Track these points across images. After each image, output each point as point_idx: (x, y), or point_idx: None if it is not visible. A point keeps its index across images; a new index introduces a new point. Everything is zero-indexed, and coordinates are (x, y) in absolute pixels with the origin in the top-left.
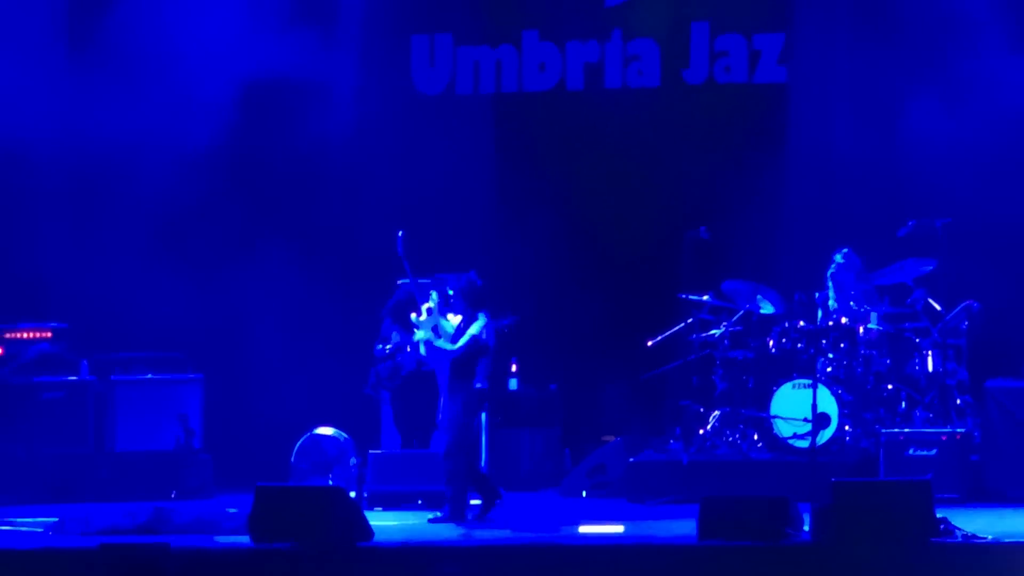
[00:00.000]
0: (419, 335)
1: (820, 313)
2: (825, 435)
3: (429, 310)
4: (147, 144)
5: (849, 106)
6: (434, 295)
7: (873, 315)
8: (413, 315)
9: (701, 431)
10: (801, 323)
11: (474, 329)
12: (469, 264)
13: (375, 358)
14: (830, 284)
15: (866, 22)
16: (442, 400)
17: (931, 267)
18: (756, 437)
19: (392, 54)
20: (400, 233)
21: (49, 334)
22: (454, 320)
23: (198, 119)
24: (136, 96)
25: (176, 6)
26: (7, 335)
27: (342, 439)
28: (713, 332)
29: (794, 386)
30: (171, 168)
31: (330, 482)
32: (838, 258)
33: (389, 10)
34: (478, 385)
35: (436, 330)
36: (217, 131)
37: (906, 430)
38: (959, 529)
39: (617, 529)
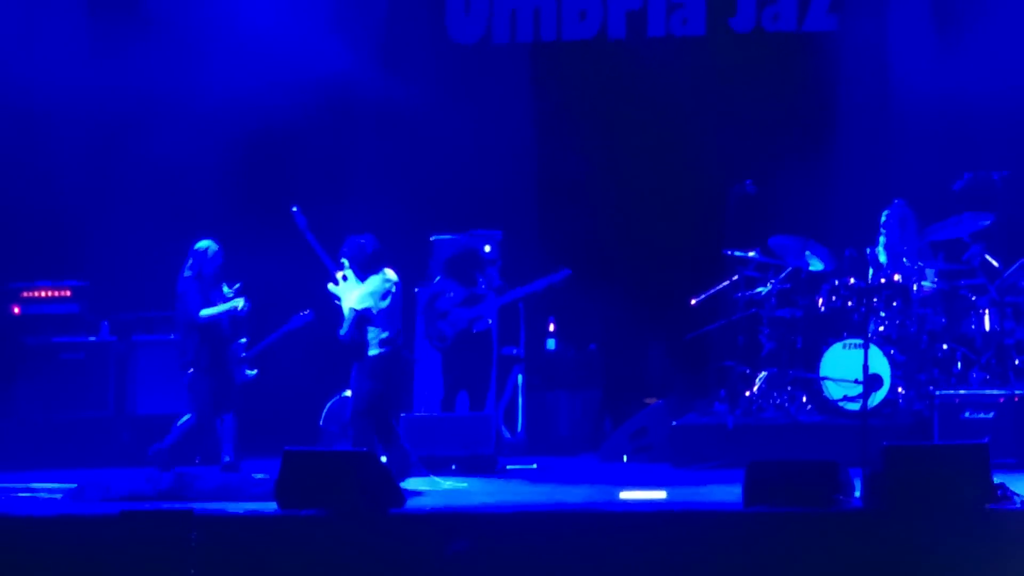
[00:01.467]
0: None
1: (872, 270)
2: (877, 397)
3: (344, 277)
4: (170, 99)
5: (903, 55)
6: (346, 263)
7: (928, 272)
8: (330, 284)
9: (747, 393)
10: (852, 280)
11: (369, 287)
12: (502, 222)
13: (432, 311)
14: (882, 240)
15: None
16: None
17: (988, 221)
18: (804, 399)
19: (425, 1)
20: (294, 209)
21: (68, 292)
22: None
23: (221, 74)
24: (159, 51)
25: None
26: (24, 293)
27: None
28: (759, 290)
29: (844, 346)
30: (196, 123)
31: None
32: (889, 211)
33: None
34: (379, 350)
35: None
36: (241, 86)
37: (962, 392)
38: (1017, 495)
39: (659, 495)
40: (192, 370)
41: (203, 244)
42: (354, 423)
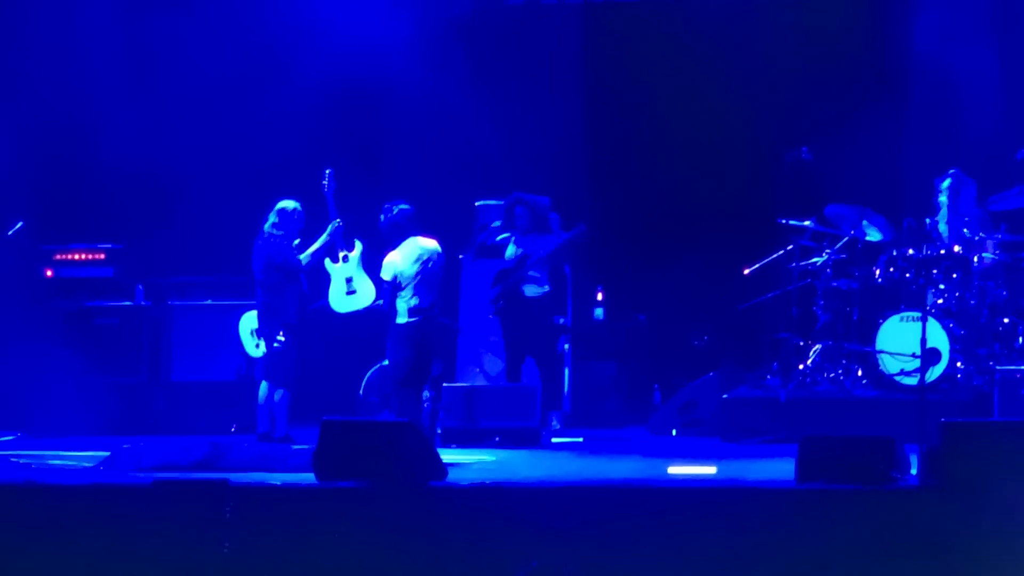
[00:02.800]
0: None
1: (932, 240)
2: (935, 372)
3: (345, 258)
4: (206, 58)
5: (967, 19)
6: (359, 245)
7: (989, 243)
8: (328, 261)
9: (801, 366)
10: (910, 251)
11: (392, 256)
12: (551, 189)
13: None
14: (942, 209)
15: None
16: None
17: None
18: (860, 373)
19: None
20: (328, 171)
21: (103, 256)
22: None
23: (256, 36)
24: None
25: None
26: (57, 256)
27: None
28: (815, 260)
29: (902, 319)
30: (235, 88)
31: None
32: (947, 181)
33: None
34: (409, 319)
35: (349, 281)
36: (278, 47)
37: (1023, 367)
38: None
39: (709, 470)
40: (282, 334)
41: (289, 204)
42: (396, 393)
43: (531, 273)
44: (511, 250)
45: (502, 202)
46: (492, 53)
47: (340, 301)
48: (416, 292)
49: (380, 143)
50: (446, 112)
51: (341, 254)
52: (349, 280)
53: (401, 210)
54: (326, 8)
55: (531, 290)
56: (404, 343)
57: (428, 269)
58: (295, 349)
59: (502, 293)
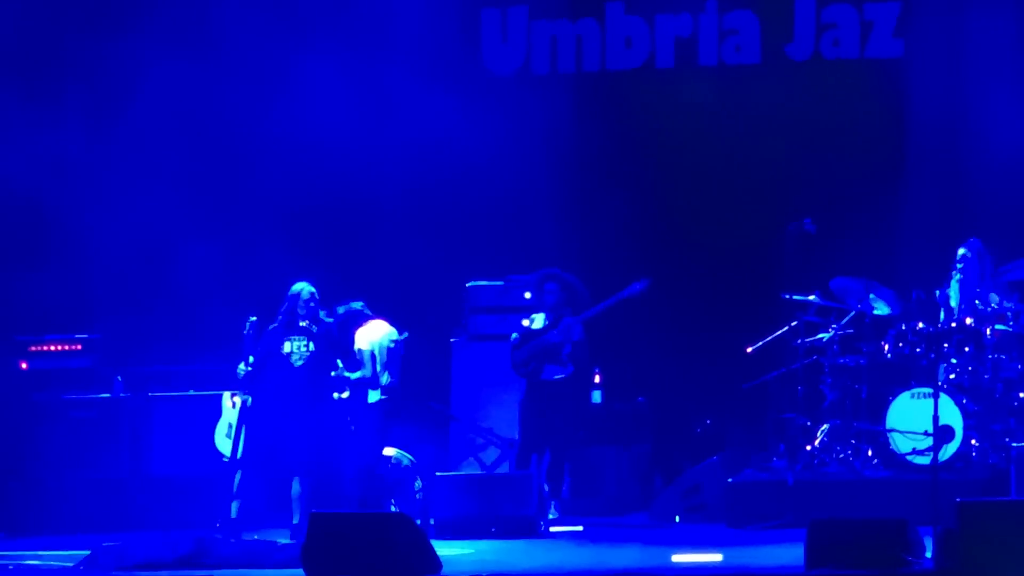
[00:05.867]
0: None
1: (942, 313)
2: (949, 450)
3: (235, 403)
4: (185, 143)
5: (973, 82)
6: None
7: (1003, 314)
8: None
9: (808, 447)
10: (920, 325)
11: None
12: (543, 265)
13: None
14: (956, 279)
15: None
16: None
17: None
18: (870, 453)
19: (460, 30)
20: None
21: (79, 347)
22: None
23: (238, 119)
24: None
25: None
26: (32, 348)
27: (405, 461)
28: (821, 336)
29: (913, 395)
30: (215, 169)
31: (393, 508)
32: (964, 250)
33: None
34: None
35: (230, 427)
36: (260, 132)
37: None
38: None
39: (715, 558)
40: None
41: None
42: (366, 478)
43: (558, 341)
44: (540, 320)
45: (530, 277)
46: (481, 125)
47: (221, 439)
48: (387, 369)
49: (367, 224)
50: (434, 185)
51: (237, 398)
52: (230, 425)
53: (352, 309)
54: (311, 88)
55: (552, 372)
56: (375, 422)
57: (393, 350)
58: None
59: (532, 356)
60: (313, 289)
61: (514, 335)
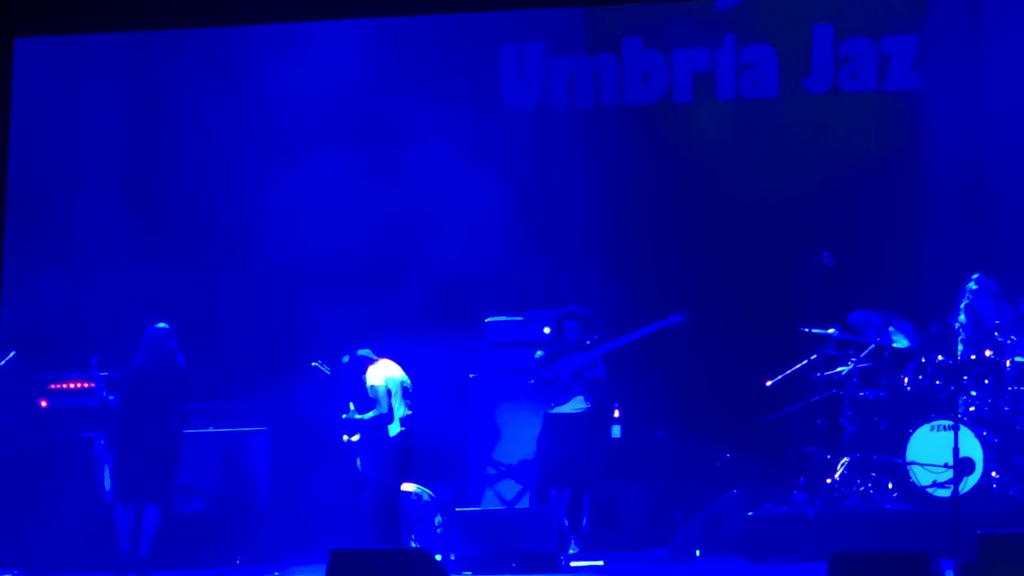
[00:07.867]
0: None
1: (961, 346)
2: (969, 483)
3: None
4: (199, 181)
5: (992, 113)
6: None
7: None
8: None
9: (828, 480)
10: (940, 357)
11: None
12: (561, 300)
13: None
14: (961, 315)
15: (1014, 19)
16: None
17: None
18: (891, 486)
19: (479, 66)
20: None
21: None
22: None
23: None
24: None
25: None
26: (52, 386)
27: (426, 497)
28: (840, 369)
29: (933, 428)
30: (232, 195)
31: (413, 544)
32: (971, 285)
33: (474, 18)
34: None
35: None
36: (279, 154)
37: None
38: None
39: None
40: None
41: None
42: (385, 514)
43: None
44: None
45: (550, 313)
46: (500, 159)
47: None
48: (404, 401)
49: (386, 261)
50: (454, 222)
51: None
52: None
53: (361, 355)
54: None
55: (571, 406)
56: (394, 456)
57: (403, 386)
58: None
59: (558, 375)
60: None
61: (539, 353)
